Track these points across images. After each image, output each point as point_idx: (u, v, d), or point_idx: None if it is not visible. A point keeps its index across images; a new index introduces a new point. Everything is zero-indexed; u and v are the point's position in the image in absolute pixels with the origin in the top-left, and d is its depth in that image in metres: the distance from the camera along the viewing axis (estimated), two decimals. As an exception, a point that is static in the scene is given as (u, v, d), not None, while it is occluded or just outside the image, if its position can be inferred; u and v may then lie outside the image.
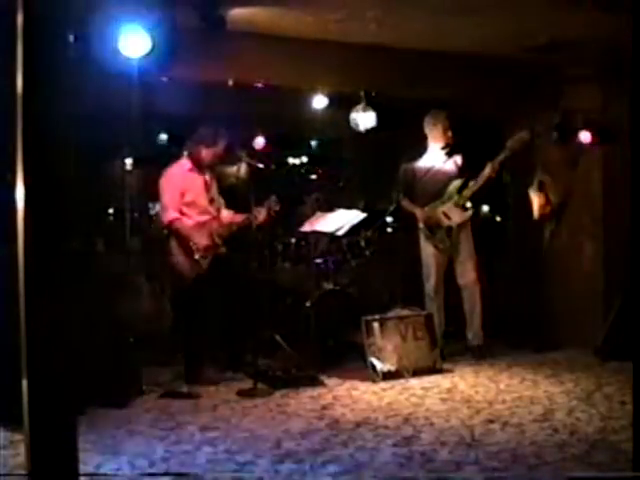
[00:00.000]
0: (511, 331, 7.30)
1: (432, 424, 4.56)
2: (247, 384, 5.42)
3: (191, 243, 5.46)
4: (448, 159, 6.48)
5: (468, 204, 6.47)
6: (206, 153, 5.62)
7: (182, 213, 5.52)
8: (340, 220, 6.42)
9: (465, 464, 3.84)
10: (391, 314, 6.07)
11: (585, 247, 6.97)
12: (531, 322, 7.09)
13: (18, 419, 2.51)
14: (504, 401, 5.08)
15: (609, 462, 3.81)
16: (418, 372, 5.79)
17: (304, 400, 5.17)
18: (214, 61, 5.61)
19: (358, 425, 4.56)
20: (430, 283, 6.45)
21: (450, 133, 6.45)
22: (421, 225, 6.47)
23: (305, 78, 6.16)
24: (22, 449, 3.40)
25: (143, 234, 6.63)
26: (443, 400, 5.13)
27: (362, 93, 6.43)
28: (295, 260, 6.49)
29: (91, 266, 5.12)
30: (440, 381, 5.66)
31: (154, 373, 5.71)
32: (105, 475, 3.72)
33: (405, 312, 6.14)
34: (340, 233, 6.31)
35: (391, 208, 6.98)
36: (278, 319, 6.23)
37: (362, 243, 6.52)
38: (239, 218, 5.78)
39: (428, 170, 6.43)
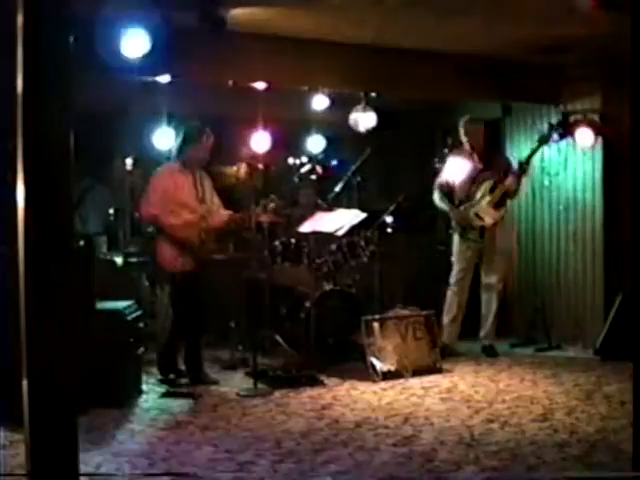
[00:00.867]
0: (511, 331, 7.32)
1: (432, 424, 4.57)
2: (247, 384, 5.43)
3: (175, 240, 5.46)
4: (480, 162, 6.64)
5: (501, 204, 6.57)
6: (191, 151, 5.61)
7: (172, 212, 5.50)
8: (340, 220, 6.42)
9: (465, 464, 3.85)
10: (391, 314, 6.08)
11: (585, 247, 6.96)
12: (531, 322, 7.09)
13: (18, 419, 2.51)
14: (504, 401, 5.09)
15: (609, 462, 3.82)
16: (418, 372, 5.79)
17: (304, 400, 5.17)
18: (214, 61, 5.61)
19: (358, 425, 4.57)
20: (454, 271, 6.69)
21: (482, 139, 6.66)
22: (454, 224, 6.68)
23: (305, 78, 6.15)
24: (22, 449, 3.40)
25: (143, 234, 6.62)
26: (443, 400, 5.14)
27: (362, 93, 6.42)
28: (295, 260, 6.49)
29: (92, 266, 5.11)
30: (440, 381, 5.66)
31: (154, 373, 5.72)
32: (105, 475, 3.72)
33: (405, 312, 6.15)
34: (340, 233, 6.31)
35: (391, 208, 7.00)
36: (278, 319, 6.23)
37: (362, 243, 6.51)
38: (232, 217, 5.77)
39: (463, 172, 6.65)
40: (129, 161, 6.66)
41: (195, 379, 5.55)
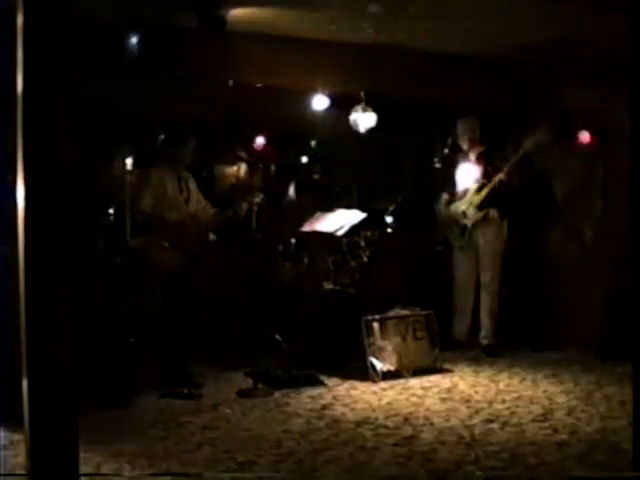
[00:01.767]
0: (511, 331, 7.31)
1: (432, 424, 4.57)
2: (247, 384, 5.43)
3: (165, 237, 5.43)
4: (476, 162, 6.74)
5: (487, 204, 6.64)
6: (174, 152, 5.60)
7: (162, 212, 5.51)
8: (340, 220, 6.42)
9: (465, 464, 3.84)
10: (391, 314, 6.08)
11: (585, 247, 6.96)
12: (531, 322, 7.09)
13: (18, 419, 2.51)
14: (504, 401, 5.08)
15: (609, 462, 3.82)
16: (418, 372, 5.79)
17: (304, 400, 5.17)
18: (214, 61, 5.60)
19: (358, 425, 4.56)
20: (454, 277, 6.85)
21: (478, 137, 6.76)
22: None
23: (305, 78, 6.15)
24: (22, 449, 3.40)
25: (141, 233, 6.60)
26: (443, 400, 5.14)
27: (362, 93, 6.42)
28: (295, 260, 6.49)
29: (91, 266, 5.11)
30: (440, 381, 5.66)
31: (154, 373, 5.72)
32: (105, 475, 3.72)
33: (405, 312, 6.14)
34: (340, 233, 6.31)
35: (391, 208, 7.01)
36: (278, 319, 6.23)
37: (362, 243, 6.52)
38: (219, 214, 5.78)
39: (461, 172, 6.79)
40: (129, 161, 6.65)
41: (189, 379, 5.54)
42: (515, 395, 5.24)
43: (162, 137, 5.76)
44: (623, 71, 2.92)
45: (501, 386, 5.51)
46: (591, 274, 6.91)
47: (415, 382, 5.61)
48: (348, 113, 6.54)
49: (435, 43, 6.09)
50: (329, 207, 6.72)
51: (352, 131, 6.64)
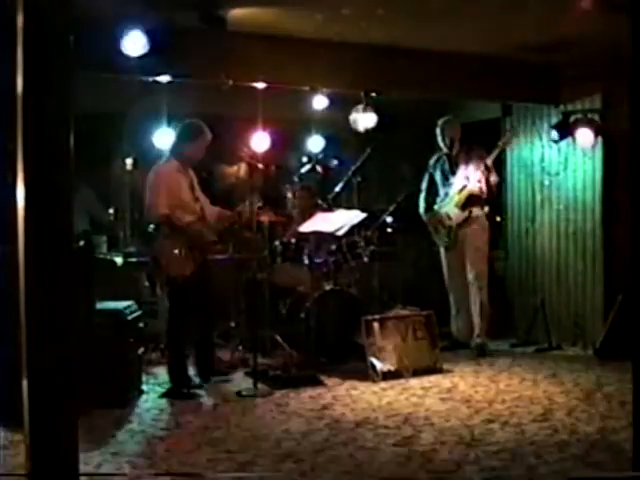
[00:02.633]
0: (511, 331, 7.32)
1: (432, 424, 4.57)
2: (247, 384, 5.43)
3: (185, 240, 5.27)
4: (458, 162, 6.77)
5: (468, 204, 6.68)
6: (188, 149, 5.50)
7: (178, 212, 5.38)
8: (340, 220, 6.42)
9: (465, 464, 3.85)
10: (391, 314, 6.08)
11: (585, 247, 6.96)
12: (531, 322, 7.09)
13: (18, 419, 2.51)
14: (504, 401, 5.09)
15: (609, 462, 3.82)
16: (418, 372, 5.80)
17: (304, 400, 5.17)
18: (214, 61, 5.60)
19: (358, 425, 4.56)
20: (445, 278, 6.92)
21: (459, 139, 6.80)
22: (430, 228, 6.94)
23: (305, 78, 6.15)
24: (22, 449, 3.40)
25: (144, 234, 6.61)
26: (443, 400, 5.14)
27: (362, 93, 6.42)
28: (295, 260, 6.49)
29: (92, 266, 5.10)
30: (440, 381, 5.67)
31: (154, 373, 5.72)
32: (105, 475, 3.72)
33: (405, 312, 6.15)
34: (340, 233, 6.31)
35: (391, 208, 7.01)
36: (278, 319, 6.23)
37: (362, 243, 6.52)
38: (222, 214, 5.72)
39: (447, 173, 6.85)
40: (129, 161, 6.65)
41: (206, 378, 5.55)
42: (515, 395, 5.24)
43: (172, 134, 5.71)
44: (623, 71, 2.92)
45: (501, 386, 5.51)
46: (591, 274, 6.91)
47: (415, 382, 5.62)
48: (348, 113, 6.54)
49: (436, 44, 6.09)
50: (329, 207, 6.73)
51: (352, 131, 6.63)
